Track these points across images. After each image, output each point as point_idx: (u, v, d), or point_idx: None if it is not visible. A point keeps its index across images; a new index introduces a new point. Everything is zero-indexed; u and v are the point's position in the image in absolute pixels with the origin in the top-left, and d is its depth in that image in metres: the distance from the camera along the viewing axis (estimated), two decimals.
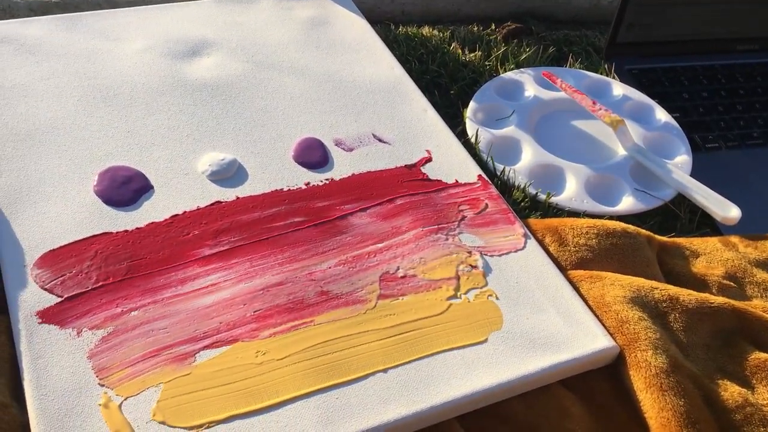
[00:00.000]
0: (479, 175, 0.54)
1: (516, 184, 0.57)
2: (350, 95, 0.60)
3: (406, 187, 0.52)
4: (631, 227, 0.52)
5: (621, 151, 0.61)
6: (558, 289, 0.47)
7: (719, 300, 0.47)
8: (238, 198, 0.50)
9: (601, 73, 0.71)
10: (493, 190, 0.53)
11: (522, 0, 0.81)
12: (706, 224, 0.57)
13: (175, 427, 0.38)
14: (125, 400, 0.38)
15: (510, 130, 0.61)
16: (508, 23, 0.79)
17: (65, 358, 0.40)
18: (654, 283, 0.48)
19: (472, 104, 0.63)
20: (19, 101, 0.55)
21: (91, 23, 0.63)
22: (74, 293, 0.43)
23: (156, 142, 0.53)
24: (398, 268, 0.47)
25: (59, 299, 0.42)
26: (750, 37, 0.77)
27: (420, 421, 0.40)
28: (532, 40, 0.77)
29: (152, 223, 0.48)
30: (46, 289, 0.43)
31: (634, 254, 0.50)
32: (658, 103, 0.67)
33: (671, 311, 0.46)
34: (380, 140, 0.56)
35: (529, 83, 0.66)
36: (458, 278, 0.47)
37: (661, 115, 0.65)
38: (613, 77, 0.71)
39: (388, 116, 0.58)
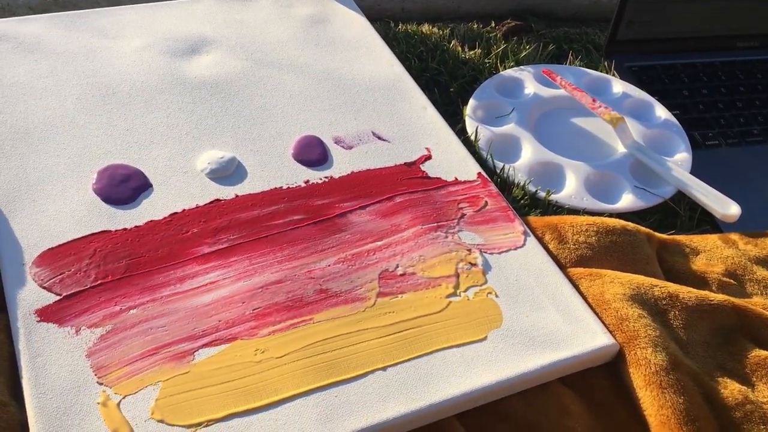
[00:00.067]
0: (479, 173, 0.54)
1: (516, 181, 0.57)
2: (350, 93, 0.60)
3: (406, 185, 0.52)
4: (630, 225, 0.52)
5: (621, 149, 0.61)
6: (557, 287, 0.47)
7: (719, 297, 0.47)
8: (237, 196, 0.50)
9: (601, 71, 0.71)
10: (493, 187, 0.53)
11: None
12: (706, 221, 0.57)
13: (173, 425, 0.37)
14: (124, 398, 0.38)
15: (510, 127, 0.61)
16: (508, 21, 0.79)
17: (64, 356, 0.40)
18: (654, 281, 0.48)
19: (471, 102, 0.63)
20: (18, 99, 0.55)
21: (90, 21, 0.63)
22: (73, 291, 0.43)
23: (155, 140, 0.53)
24: (397, 266, 0.47)
25: (58, 297, 0.42)
26: (750, 34, 0.77)
27: (419, 419, 0.40)
28: (532, 38, 0.77)
29: (151, 221, 0.47)
30: (44, 288, 0.43)
31: (634, 252, 0.50)
32: (658, 100, 0.67)
33: (671, 309, 0.46)
34: (380, 138, 0.56)
35: (528, 81, 0.66)
36: (458, 276, 0.47)
37: (661, 112, 0.65)
38: (613, 75, 0.71)
39: (388, 114, 0.58)
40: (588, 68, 0.70)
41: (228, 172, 0.52)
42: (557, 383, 0.43)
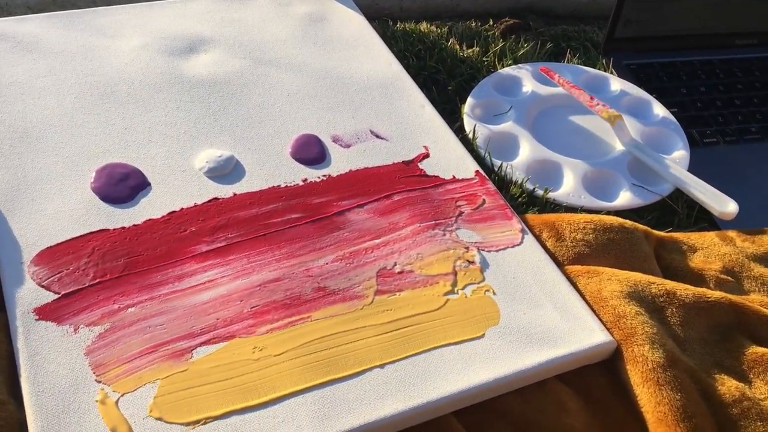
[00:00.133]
0: (477, 171, 0.54)
1: (513, 179, 0.57)
2: (348, 92, 0.60)
3: (404, 183, 0.52)
4: (628, 222, 0.52)
5: (618, 147, 0.61)
6: (555, 285, 0.47)
7: (716, 294, 0.47)
8: (235, 194, 0.50)
9: (599, 69, 0.71)
10: (491, 185, 0.53)
11: None
12: (703, 219, 0.57)
13: (171, 422, 0.38)
14: (122, 396, 0.38)
15: (507, 125, 0.61)
16: (506, 19, 0.79)
17: (62, 354, 0.40)
18: (651, 278, 0.48)
19: (469, 100, 0.63)
20: (16, 99, 0.55)
21: (88, 20, 0.63)
22: (71, 290, 0.43)
23: (153, 139, 0.53)
24: (395, 264, 0.47)
25: (56, 296, 0.42)
26: (748, 31, 0.77)
27: (417, 416, 0.40)
28: (530, 36, 0.77)
29: (149, 219, 0.48)
30: (43, 286, 0.43)
31: (632, 249, 0.50)
32: (656, 98, 0.67)
33: (668, 306, 0.46)
34: (378, 136, 0.56)
35: (526, 79, 0.66)
36: (455, 274, 0.47)
37: (659, 110, 0.65)
38: (611, 72, 0.71)
39: (386, 112, 0.58)
40: (586, 66, 0.70)
41: (226, 170, 0.52)
42: (555, 380, 0.43)
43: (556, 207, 0.56)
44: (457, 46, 0.72)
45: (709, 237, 0.54)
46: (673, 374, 0.42)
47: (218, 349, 0.41)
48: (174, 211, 0.48)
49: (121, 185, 0.49)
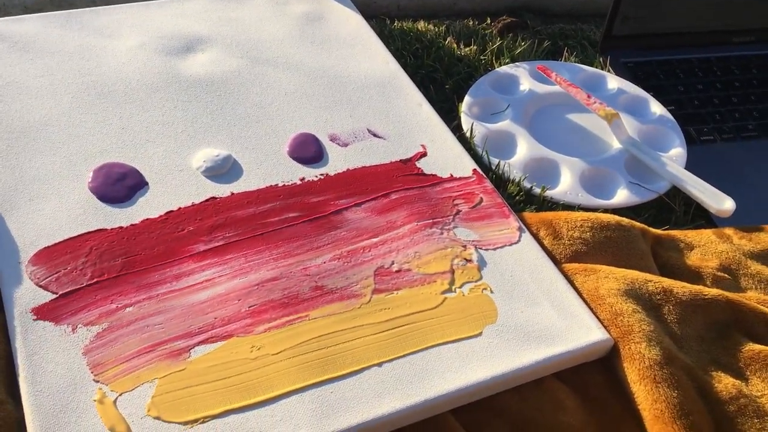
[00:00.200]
0: (474, 170, 0.54)
1: (511, 178, 0.57)
2: (345, 90, 0.60)
3: (401, 182, 0.53)
4: (625, 220, 0.52)
5: (616, 145, 0.61)
6: (552, 283, 0.47)
7: (713, 292, 0.47)
8: (232, 194, 0.50)
9: (597, 67, 0.71)
10: (488, 184, 0.53)
11: None
12: (700, 216, 0.57)
13: (169, 422, 0.38)
14: (120, 395, 0.38)
15: (505, 124, 0.61)
16: (504, 17, 0.79)
17: (60, 354, 0.40)
18: (648, 276, 0.48)
19: (467, 98, 0.63)
20: (14, 99, 0.55)
21: (85, 20, 0.63)
22: (69, 290, 0.43)
23: (150, 138, 0.53)
24: (393, 263, 0.47)
25: (54, 296, 0.43)
26: (746, 29, 0.77)
27: (414, 414, 0.40)
28: (527, 34, 0.77)
29: (147, 219, 0.48)
30: (41, 286, 0.43)
31: (629, 247, 0.50)
32: (653, 96, 0.67)
33: (665, 303, 0.46)
34: (375, 135, 0.56)
35: (524, 77, 0.66)
36: (453, 272, 0.47)
37: (656, 108, 0.65)
38: (608, 71, 0.71)
39: (383, 111, 0.59)
40: (583, 64, 0.70)
41: (223, 170, 0.52)
42: (552, 378, 0.43)
43: (553, 205, 0.56)
44: (455, 45, 0.72)
45: (706, 234, 0.54)
46: (670, 372, 0.42)
47: (216, 348, 0.41)
48: (171, 211, 0.48)
49: (119, 185, 0.49)
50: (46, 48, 0.60)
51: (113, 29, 0.63)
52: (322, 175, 0.52)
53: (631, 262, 0.50)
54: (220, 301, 0.43)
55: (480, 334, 0.43)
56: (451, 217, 0.50)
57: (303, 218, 0.49)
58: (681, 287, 0.47)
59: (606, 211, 0.55)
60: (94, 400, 0.38)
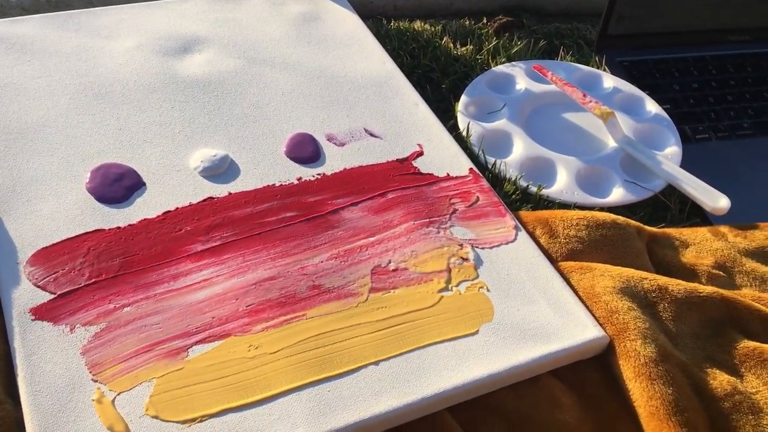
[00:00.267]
0: (470, 169, 0.54)
1: (507, 176, 0.57)
2: (342, 90, 0.60)
3: (398, 181, 0.53)
4: (620, 218, 0.52)
5: (611, 143, 0.61)
6: (548, 281, 0.47)
7: (708, 289, 0.48)
8: (230, 194, 0.50)
9: (592, 66, 0.71)
10: (485, 183, 0.54)
11: None
12: (695, 215, 0.58)
13: (168, 421, 0.38)
14: (118, 395, 0.39)
15: (501, 123, 0.62)
16: (500, 17, 0.79)
17: (58, 354, 0.40)
18: (643, 274, 0.48)
19: (463, 98, 0.63)
20: (11, 100, 0.55)
21: (82, 21, 0.63)
22: (67, 290, 0.43)
23: (148, 139, 0.53)
24: (390, 262, 0.47)
25: (52, 296, 0.43)
26: (741, 27, 0.77)
27: (411, 412, 0.40)
28: (523, 34, 0.77)
29: (144, 219, 0.48)
30: (39, 287, 0.43)
31: (624, 245, 0.51)
32: (649, 94, 0.67)
33: (660, 301, 0.47)
34: (372, 135, 0.56)
35: (520, 76, 0.67)
36: (449, 271, 0.47)
37: (652, 106, 0.65)
38: (604, 70, 0.71)
39: (380, 111, 0.59)
40: (579, 63, 0.70)
41: (221, 170, 0.52)
42: (548, 376, 0.44)
43: (549, 204, 0.56)
44: (451, 45, 0.73)
45: (701, 232, 0.55)
46: (665, 369, 0.42)
47: (214, 347, 0.41)
48: (169, 211, 0.49)
49: (116, 185, 0.50)
50: (44, 49, 0.60)
51: (110, 30, 0.63)
52: (319, 174, 0.53)
53: (627, 260, 0.50)
54: (217, 301, 0.44)
55: (476, 332, 0.44)
56: (448, 216, 0.51)
57: (300, 218, 0.49)
58: (676, 285, 0.47)
59: (602, 209, 0.55)
60: (93, 400, 0.38)
